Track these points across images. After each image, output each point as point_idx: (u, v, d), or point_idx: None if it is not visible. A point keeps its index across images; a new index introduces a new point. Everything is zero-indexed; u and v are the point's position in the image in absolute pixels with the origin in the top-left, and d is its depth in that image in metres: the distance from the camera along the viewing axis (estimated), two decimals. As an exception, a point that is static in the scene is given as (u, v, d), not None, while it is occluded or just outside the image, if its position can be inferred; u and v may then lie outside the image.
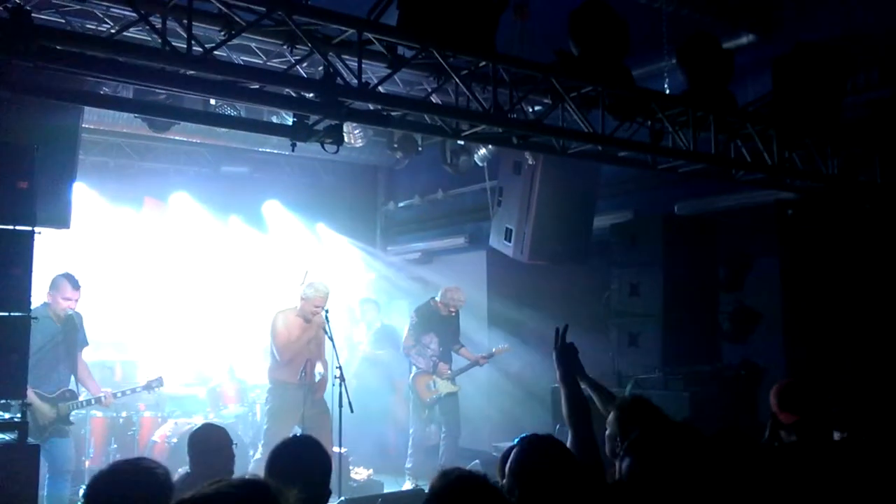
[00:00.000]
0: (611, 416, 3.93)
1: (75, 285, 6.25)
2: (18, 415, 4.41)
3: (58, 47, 3.54)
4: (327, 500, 3.13)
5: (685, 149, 5.55)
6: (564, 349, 4.01)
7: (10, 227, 4.30)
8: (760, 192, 6.87)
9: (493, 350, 8.91)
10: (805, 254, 6.55)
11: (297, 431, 7.22)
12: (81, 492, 7.08)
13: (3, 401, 4.57)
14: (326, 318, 7.06)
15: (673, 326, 6.89)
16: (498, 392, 9.34)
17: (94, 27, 5.51)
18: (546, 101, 5.54)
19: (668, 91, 6.67)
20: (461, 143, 8.20)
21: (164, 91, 5.27)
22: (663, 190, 7.96)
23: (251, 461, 7.17)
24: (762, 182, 6.35)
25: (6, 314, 4.26)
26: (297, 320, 7.32)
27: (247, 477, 1.73)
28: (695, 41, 5.61)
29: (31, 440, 4.47)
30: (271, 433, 7.06)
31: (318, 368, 7.44)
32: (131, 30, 4.24)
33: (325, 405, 7.27)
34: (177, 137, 8.34)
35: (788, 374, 6.66)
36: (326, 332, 7.06)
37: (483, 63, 4.78)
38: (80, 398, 6.45)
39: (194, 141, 8.80)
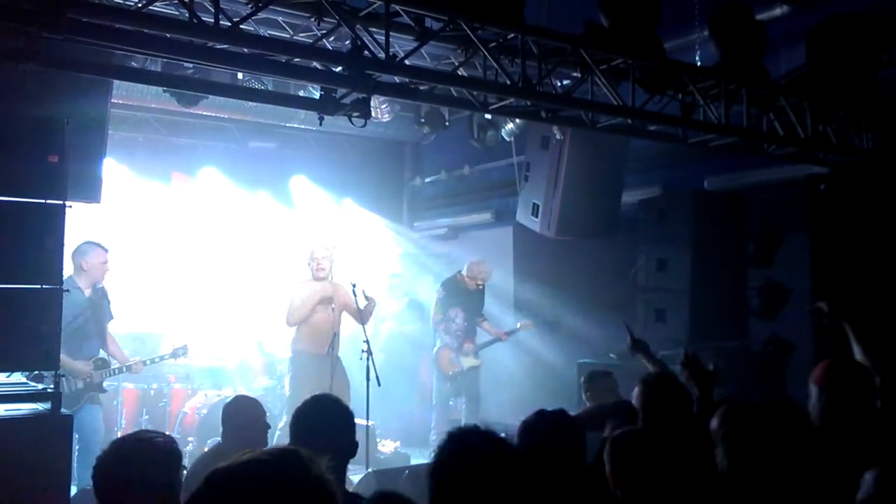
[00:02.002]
0: (635, 390, 4.00)
1: (106, 249, 6.35)
2: (52, 385, 4.48)
3: (86, 20, 3.55)
4: (356, 451, 3.18)
5: (717, 122, 5.46)
6: (638, 342, 5.07)
7: (42, 201, 4.34)
8: (792, 166, 6.75)
9: (518, 325, 8.93)
10: (836, 229, 6.44)
11: None
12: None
13: (36, 372, 4.66)
14: (353, 291, 7.09)
15: (700, 302, 6.84)
16: (523, 367, 9.35)
17: (121, 0, 5.51)
18: (575, 74, 5.48)
19: (699, 64, 6.55)
20: (488, 118, 8.15)
21: (191, 65, 5.30)
22: (692, 165, 7.86)
23: (277, 430, 7.26)
24: (794, 156, 6.24)
25: (38, 286, 4.31)
26: (308, 286, 7.45)
27: (279, 446, 1.74)
28: (727, 12, 5.50)
29: (64, 410, 4.53)
30: (293, 402, 7.13)
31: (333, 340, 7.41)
32: (158, 4, 4.24)
33: (344, 375, 7.30)
34: (205, 113, 8.37)
35: (816, 351, 6.59)
36: (355, 307, 7.09)
37: (512, 35, 4.73)
38: (113, 367, 6.56)
39: (222, 116, 8.82)
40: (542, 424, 3.12)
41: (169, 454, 2.85)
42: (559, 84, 6.35)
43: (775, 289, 7.07)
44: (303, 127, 9.28)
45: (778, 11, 6.77)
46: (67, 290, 4.58)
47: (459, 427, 2.35)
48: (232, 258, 9.68)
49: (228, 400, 4.90)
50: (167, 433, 3.46)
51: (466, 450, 2.19)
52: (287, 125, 9.15)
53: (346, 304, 7.44)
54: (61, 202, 4.37)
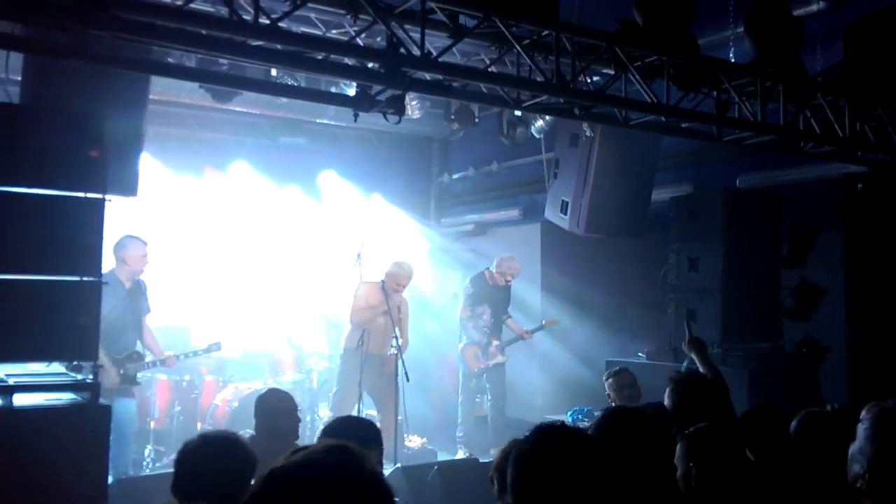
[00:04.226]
0: (667, 390, 3.99)
1: (145, 243, 6.45)
2: (90, 376, 4.55)
3: (130, 17, 3.60)
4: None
5: (752, 120, 5.42)
6: (696, 340, 4.96)
7: (82, 195, 4.40)
8: (827, 165, 6.68)
9: (543, 322, 8.92)
10: (873, 230, 6.36)
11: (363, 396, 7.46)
12: (147, 451, 7.32)
13: (75, 362, 4.73)
14: (383, 288, 7.16)
15: (732, 302, 6.80)
16: (551, 365, 9.34)
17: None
18: (607, 71, 5.46)
19: (734, 60, 6.50)
20: (518, 114, 8.15)
21: (227, 61, 5.35)
22: (724, 163, 7.81)
23: (308, 425, 7.38)
24: (831, 154, 6.18)
25: (78, 279, 4.38)
26: (377, 292, 7.59)
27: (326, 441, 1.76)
28: (763, 8, 5.46)
29: (102, 400, 4.60)
30: (339, 397, 7.57)
31: (392, 344, 7.50)
32: (198, 1, 4.30)
33: (394, 379, 7.39)
34: (236, 108, 8.42)
35: (851, 353, 6.53)
36: (384, 303, 7.17)
37: (546, 32, 4.72)
38: (147, 360, 6.65)
39: (254, 112, 8.88)
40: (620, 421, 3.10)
41: (251, 460, 2.90)
42: (589, 81, 6.33)
43: (809, 289, 7.01)
44: (332, 123, 9.33)
45: (815, 7, 6.69)
46: (107, 283, 4.65)
47: (547, 422, 2.40)
48: (262, 252, 9.75)
49: (261, 392, 4.96)
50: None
51: (554, 440, 2.23)
52: (317, 121, 9.20)
53: (402, 319, 7.66)
54: (101, 196, 4.43)
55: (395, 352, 7.32)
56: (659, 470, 2.89)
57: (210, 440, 2.93)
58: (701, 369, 4.69)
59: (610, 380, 5.64)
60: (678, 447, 2.90)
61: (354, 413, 6.97)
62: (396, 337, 7.33)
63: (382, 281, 7.61)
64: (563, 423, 2.37)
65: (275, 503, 1.46)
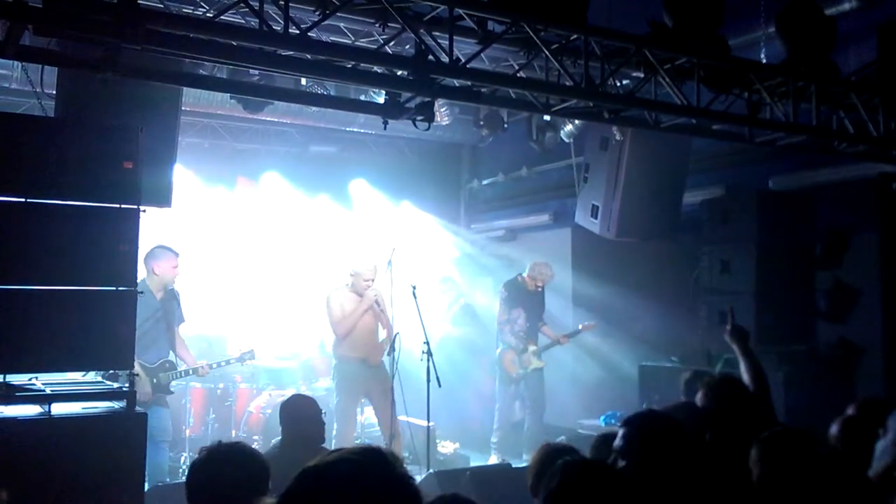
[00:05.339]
0: (699, 393, 3.91)
1: (177, 254, 6.52)
2: (126, 384, 4.62)
3: (163, 30, 3.66)
4: None
5: (785, 121, 5.36)
6: (738, 329, 4.58)
7: (117, 206, 4.46)
8: (861, 165, 6.58)
9: (580, 326, 8.88)
10: (910, 230, 6.27)
11: (364, 404, 7.44)
12: (183, 458, 7.40)
13: (111, 371, 4.81)
14: (414, 294, 7.16)
15: (766, 304, 6.71)
16: (583, 369, 9.30)
17: (190, 11, 5.67)
18: (636, 74, 5.43)
19: (765, 61, 6.44)
20: (547, 119, 8.14)
21: (258, 72, 5.41)
22: (756, 164, 7.71)
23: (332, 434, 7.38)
24: (865, 154, 6.08)
25: (114, 288, 4.45)
26: (350, 296, 7.47)
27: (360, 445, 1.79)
28: (794, 7, 5.40)
29: (138, 409, 4.66)
30: (340, 408, 7.32)
31: (381, 333, 7.53)
32: (229, 13, 4.34)
33: (384, 372, 7.36)
34: (268, 118, 8.52)
35: (886, 355, 6.41)
36: (416, 309, 7.16)
37: (574, 36, 4.71)
38: (180, 369, 6.72)
39: (284, 122, 8.98)
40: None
41: (263, 465, 2.92)
42: (618, 84, 6.30)
43: (844, 291, 6.91)
44: (362, 131, 9.40)
45: (847, 6, 6.59)
46: (141, 293, 4.72)
47: (573, 459, 2.45)
48: (294, 261, 9.83)
49: (285, 399, 5.02)
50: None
51: (580, 480, 2.27)
52: (347, 129, 9.27)
53: (375, 313, 7.54)
54: (136, 207, 4.50)
55: (382, 344, 7.40)
56: (694, 477, 2.85)
57: (215, 453, 2.94)
58: (742, 362, 4.46)
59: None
60: (753, 451, 2.87)
61: (357, 422, 6.94)
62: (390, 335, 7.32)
63: (351, 283, 7.49)
64: (585, 459, 2.43)
65: (308, 500, 1.50)
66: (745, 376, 4.41)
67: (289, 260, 9.83)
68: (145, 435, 4.58)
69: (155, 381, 6.41)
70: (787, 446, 2.83)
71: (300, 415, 4.66)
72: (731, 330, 4.60)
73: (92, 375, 4.90)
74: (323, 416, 4.78)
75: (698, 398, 3.91)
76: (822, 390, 6.51)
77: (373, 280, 7.43)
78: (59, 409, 4.25)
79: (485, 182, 11.46)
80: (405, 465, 1.58)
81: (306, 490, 1.50)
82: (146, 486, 4.99)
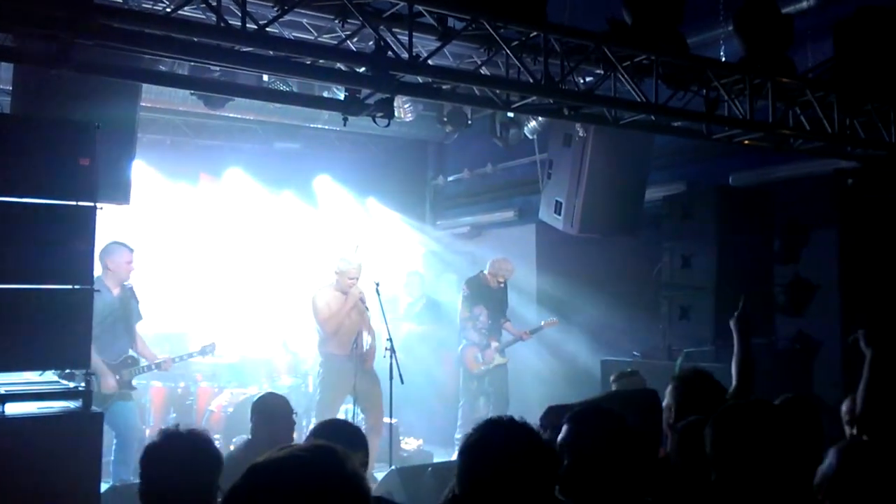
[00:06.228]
0: (669, 387, 3.91)
1: (131, 249, 6.44)
2: (83, 383, 4.56)
3: (117, 25, 3.61)
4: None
5: (741, 118, 5.43)
6: (745, 317, 4.30)
7: (73, 203, 4.41)
8: (818, 161, 6.70)
9: (542, 323, 8.92)
10: (865, 224, 6.38)
11: (350, 401, 7.39)
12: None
13: (67, 370, 4.74)
14: (377, 291, 7.14)
15: (726, 299, 6.78)
16: (546, 366, 9.33)
17: (149, 6, 5.60)
18: (598, 71, 5.47)
19: (724, 59, 6.52)
20: (511, 116, 8.15)
21: (218, 68, 5.37)
22: (716, 161, 7.82)
23: (304, 429, 7.34)
24: (821, 151, 6.19)
25: (70, 287, 4.39)
26: (335, 294, 7.49)
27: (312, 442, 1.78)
28: (752, 6, 5.47)
29: (95, 408, 4.61)
30: (323, 404, 7.31)
31: (367, 339, 7.56)
32: (186, 8, 4.30)
33: (375, 376, 7.39)
34: (231, 115, 8.44)
35: (844, 348, 6.53)
36: (379, 306, 7.15)
37: (534, 34, 4.74)
38: (142, 365, 6.65)
39: (248, 118, 8.91)
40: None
41: (217, 457, 2.91)
42: (581, 81, 6.35)
43: (802, 285, 7.03)
44: (327, 127, 9.34)
45: (804, 4, 6.69)
46: (98, 290, 4.66)
47: (498, 416, 2.42)
48: (257, 258, 9.76)
49: (258, 396, 4.97)
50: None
51: (498, 434, 2.27)
52: (311, 125, 9.22)
53: (360, 311, 7.56)
54: (92, 204, 4.45)
55: (369, 347, 7.43)
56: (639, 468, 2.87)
57: (174, 436, 2.93)
58: (735, 350, 4.29)
59: (617, 382, 5.55)
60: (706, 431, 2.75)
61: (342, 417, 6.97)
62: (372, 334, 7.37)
63: (336, 282, 7.49)
64: (511, 417, 2.37)
65: (255, 497, 1.48)
66: (734, 367, 4.33)
67: (253, 257, 9.75)
68: (101, 434, 4.53)
69: (118, 376, 6.33)
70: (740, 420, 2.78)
71: (272, 413, 4.61)
72: (738, 316, 4.40)
73: (49, 375, 4.83)
74: (294, 416, 4.75)
75: (668, 390, 3.89)
76: (780, 383, 6.61)
77: (357, 278, 7.46)
78: (13, 409, 4.20)
79: (450, 179, 11.47)
80: (368, 462, 1.57)
81: (254, 486, 1.49)
82: (106, 485, 4.95)
